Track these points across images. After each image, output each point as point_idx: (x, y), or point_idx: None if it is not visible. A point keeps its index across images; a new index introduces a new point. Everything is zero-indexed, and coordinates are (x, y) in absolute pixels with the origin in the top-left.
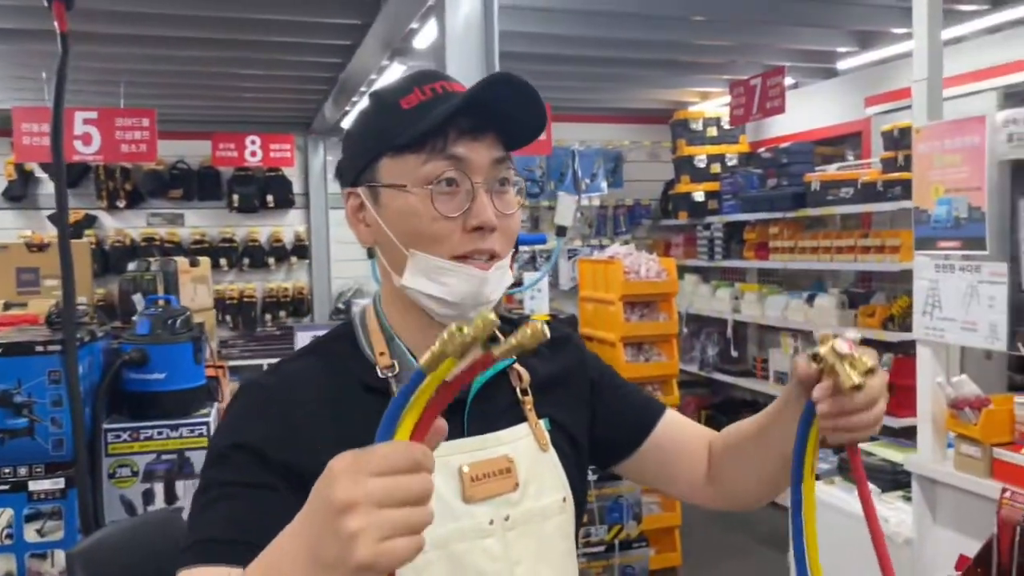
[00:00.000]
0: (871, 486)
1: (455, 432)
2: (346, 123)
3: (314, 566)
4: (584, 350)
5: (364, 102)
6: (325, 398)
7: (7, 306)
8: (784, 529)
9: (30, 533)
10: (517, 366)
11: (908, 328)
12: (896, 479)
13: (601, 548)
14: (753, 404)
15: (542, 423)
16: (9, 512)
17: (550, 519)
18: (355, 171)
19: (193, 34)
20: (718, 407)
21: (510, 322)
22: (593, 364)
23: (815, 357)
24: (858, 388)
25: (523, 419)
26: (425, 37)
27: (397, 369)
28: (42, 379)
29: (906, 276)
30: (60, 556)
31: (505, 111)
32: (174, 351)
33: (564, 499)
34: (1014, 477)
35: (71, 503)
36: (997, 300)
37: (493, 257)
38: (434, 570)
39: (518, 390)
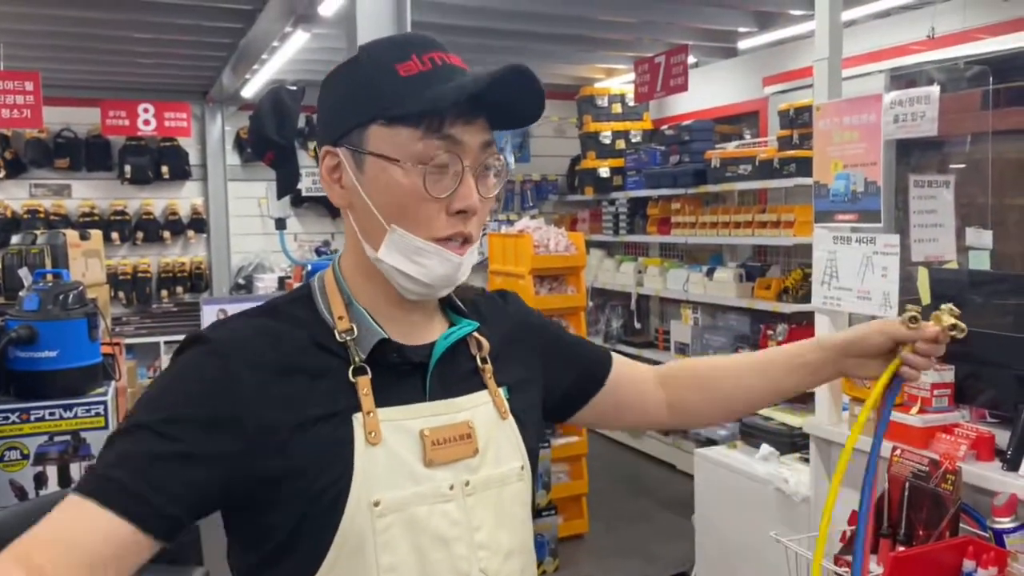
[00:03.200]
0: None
1: (416, 396)
2: (247, 92)
3: None
4: (528, 310)
5: (352, 57)
6: (277, 358)
7: None
8: (684, 494)
9: None
10: (477, 334)
11: (801, 299)
12: (794, 442)
13: None
14: None
15: (501, 391)
16: None
17: (508, 486)
18: (338, 131)
19: None
20: None
21: (468, 301)
22: (538, 323)
23: (913, 319)
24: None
25: (483, 386)
26: (331, 4)
27: (356, 332)
28: None
29: (800, 250)
30: None
31: (504, 99)
32: (66, 327)
33: (522, 467)
34: (904, 436)
35: None
36: (889, 270)
37: (468, 242)
38: (393, 532)
39: (478, 358)
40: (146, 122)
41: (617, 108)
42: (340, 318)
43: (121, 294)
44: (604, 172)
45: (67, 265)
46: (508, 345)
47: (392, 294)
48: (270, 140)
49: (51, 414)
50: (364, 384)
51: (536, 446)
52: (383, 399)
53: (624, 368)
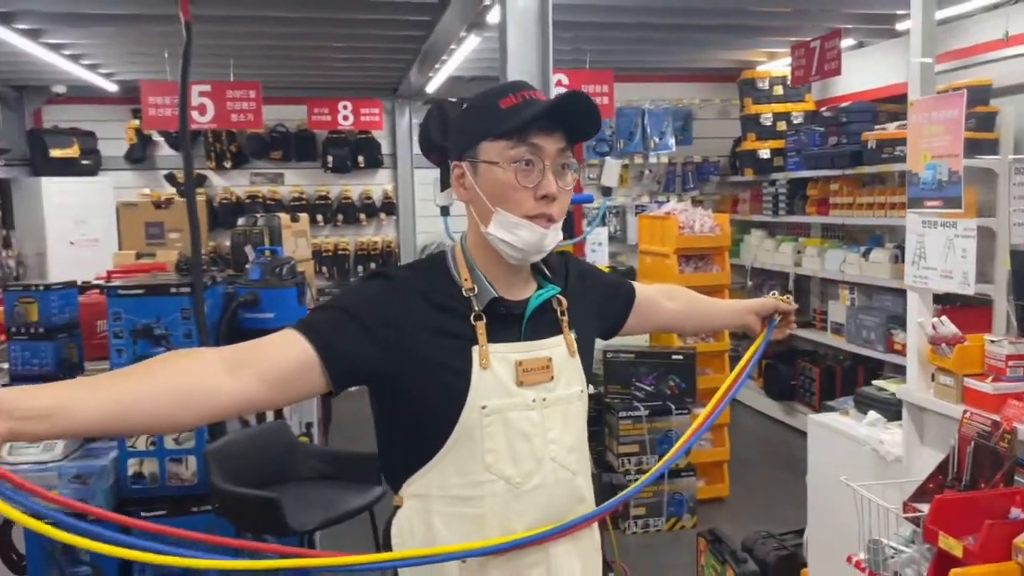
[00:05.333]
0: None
1: (514, 337)
2: (430, 88)
3: None
4: (582, 264)
5: (469, 102)
6: (427, 300)
7: (139, 255)
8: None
9: (168, 442)
10: (559, 296)
11: None
12: (899, 410)
13: None
14: (812, 354)
15: (572, 334)
16: None
17: (572, 403)
18: (462, 150)
19: (292, 14)
20: (779, 357)
21: (548, 264)
22: (588, 270)
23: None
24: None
25: (560, 332)
26: (496, 12)
27: (476, 291)
28: (175, 315)
29: None
30: (192, 460)
31: (571, 116)
32: (282, 295)
33: (582, 391)
34: (980, 402)
35: None
36: (968, 252)
37: (551, 220)
38: (494, 428)
39: (558, 311)
40: (345, 117)
41: (778, 90)
42: (466, 279)
43: (324, 269)
44: (764, 153)
45: (281, 243)
46: (577, 294)
47: (500, 260)
48: (435, 144)
49: None
50: (480, 327)
51: (591, 373)
52: (492, 337)
53: (643, 292)
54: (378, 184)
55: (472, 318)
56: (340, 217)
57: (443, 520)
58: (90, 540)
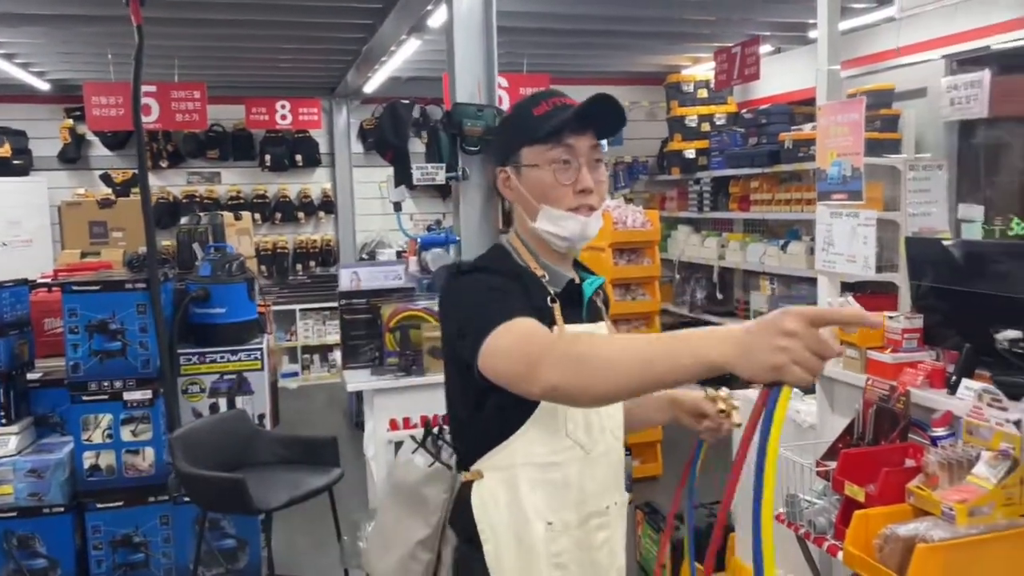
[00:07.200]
0: None
1: (578, 318)
2: (368, 88)
3: (737, 348)
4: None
5: (506, 112)
6: (519, 281)
7: (84, 255)
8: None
9: (126, 434)
10: (602, 288)
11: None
12: (814, 384)
13: None
14: None
15: (608, 322)
16: (109, 417)
17: None
18: (504, 156)
19: (240, 16)
20: None
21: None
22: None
23: (721, 410)
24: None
25: (603, 318)
26: (439, 16)
27: (547, 278)
28: (131, 310)
29: None
30: (149, 452)
31: (598, 115)
32: (232, 290)
33: None
34: (881, 371)
35: (157, 410)
36: (869, 239)
37: (592, 209)
38: None
39: (599, 300)
40: (283, 116)
41: (703, 93)
42: (536, 268)
43: (263, 268)
44: (690, 153)
45: (225, 241)
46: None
47: (550, 249)
48: (389, 143)
49: (221, 357)
50: (557, 309)
51: None
52: (564, 318)
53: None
54: (316, 183)
55: (549, 300)
56: (278, 216)
57: (530, 486)
58: None
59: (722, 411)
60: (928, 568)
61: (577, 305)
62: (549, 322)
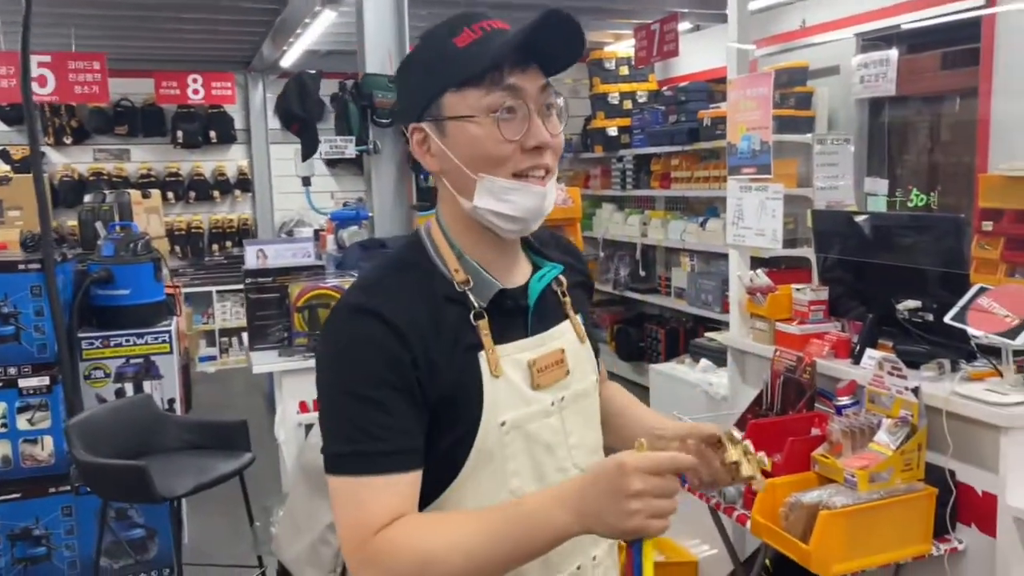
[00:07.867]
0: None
1: (521, 334)
2: (285, 62)
3: (593, 519)
4: (585, 263)
5: (415, 45)
6: (422, 308)
7: None
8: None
9: (22, 423)
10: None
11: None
12: (727, 357)
13: None
14: (658, 317)
15: (578, 318)
16: (3, 405)
17: (589, 396)
18: (417, 109)
19: None
20: (629, 321)
21: (542, 239)
22: (584, 268)
23: (734, 462)
24: (750, 479)
25: (566, 317)
26: None
27: (471, 284)
28: (25, 293)
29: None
30: (48, 441)
31: (548, 44)
32: (137, 270)
33: (595, 379)
34: (788, 342)
35: (56, 397)
36: (776, 212)
37: (547, 172)
38: (516, 446)
39: (559, 292)
40: (195, 91)
41: (624, 70)
42: (456, 271)
43: (177, 248)
44: (612, 131)
45: (132, 219)
46: (578, 288)
47: (489, 239)
48: (295, 114)
49: (127, 341)
50: (484, 327)
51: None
52: (497, 337)
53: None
54: (231, 160)
55: (472, 317)
56: (192, 194)
57: None
58: None
59: (734, 463)
60: (830, 533)
61: (519, 315)
62: (475, 348)
